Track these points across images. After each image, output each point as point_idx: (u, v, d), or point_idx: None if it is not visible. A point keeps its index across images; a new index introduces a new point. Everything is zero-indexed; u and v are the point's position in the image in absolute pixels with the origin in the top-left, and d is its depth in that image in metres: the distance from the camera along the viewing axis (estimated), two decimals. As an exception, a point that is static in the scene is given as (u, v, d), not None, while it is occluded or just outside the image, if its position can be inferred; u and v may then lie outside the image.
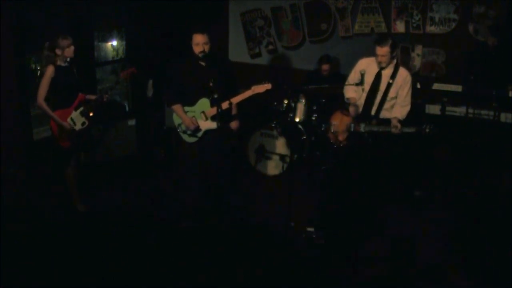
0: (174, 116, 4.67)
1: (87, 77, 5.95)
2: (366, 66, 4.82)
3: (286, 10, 7.03)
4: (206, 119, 4.54)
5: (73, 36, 4.91)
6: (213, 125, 4.49)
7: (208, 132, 4.58)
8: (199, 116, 4.56)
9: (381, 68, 4.77)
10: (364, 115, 4.89)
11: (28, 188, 5.20)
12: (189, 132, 4.59)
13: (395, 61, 4.80)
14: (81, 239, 4.40)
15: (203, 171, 4.73)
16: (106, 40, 6.54)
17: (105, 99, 4.81)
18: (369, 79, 4.79)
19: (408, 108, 4.85)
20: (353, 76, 4.96)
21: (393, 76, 4.77)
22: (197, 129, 4.56)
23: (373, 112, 4.87)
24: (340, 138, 5.01)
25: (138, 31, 6.69)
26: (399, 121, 4.75)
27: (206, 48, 4.37)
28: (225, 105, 4.42)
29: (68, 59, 4.57)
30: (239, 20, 7.37)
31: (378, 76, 4.81)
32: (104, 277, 3.85)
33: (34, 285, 3.76)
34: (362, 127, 4.77)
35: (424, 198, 5.26)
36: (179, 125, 4.64)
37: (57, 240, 4.35)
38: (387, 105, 4.83)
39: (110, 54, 6.64)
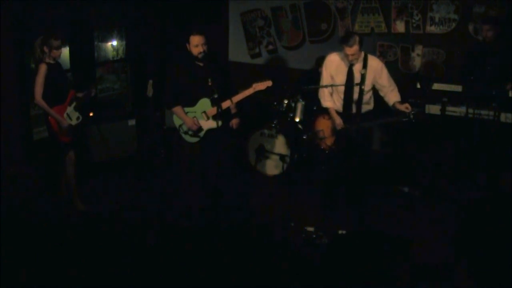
0: (175, 117, 4.68)
1: (87, 77, 5.97)
2: (336, 65, 4.83)
3: (286, 10, 7.03)
4: (208, 118, 4.56)
5: (73, 36, 4.91)
6: (215, 124, 4.50)
7: (209, 131, 4.60)
8: (200, 116, 4.57)
9: (352, 64, 4.77)
10: (347, 115, 4.90)
11: (28, 188, 5.20)
12: (190, 132, 4.60)
13: (362, 52, 4.78)
14: (81, 239, 4.40)
15: (205, 171, 4.74)
16: (106, 40, 6.54)
17: (92, 94, 4.96)
18: (342, 78, 4.79)
19: (397, 89, 4.89)
20: (326, 76, 4.94)
21: (364, 67, 4.75)
22: (199, 129, 4.57)
23: (354, 110, 4.88)
24: (329, 142, 5.02)
25: (138, 31, 6.69)
26: (401, 102, 4.80)
27: (205, 48, 4.39)
28: (226, 104, 4.43)
29: (56, 59, 4.61)
30: (239, 20, 7.37)
31: (350, 73, 4.81)
32: (104, 277, 3.85)
33: (34, 285, 3.76)
34: (349, 127, 4.78)
35: (423, 198, 5.26)
36: (180, 126, 4.65)
37: (57, 240, 4.35)
38: (365, 98, 4.84)
39: (110, 54, 6.64)
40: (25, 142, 5.43)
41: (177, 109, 4.57)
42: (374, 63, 4.81)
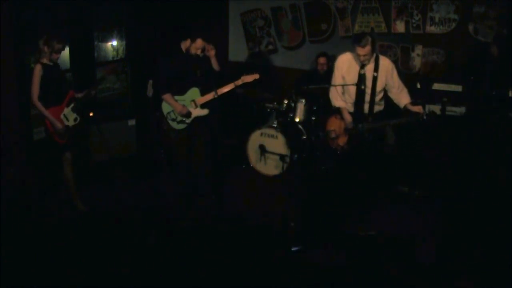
0: (164, 105, 4.92)
1: (87, 77, 5.97)
2: (348, 65, 4.82)
3: (286, 10, 7.04)
4: (196, 107, 4.87)
5: (73, 36, 4.89)
6: (203, 112, 4.87)
7: (196, 119, 4.90)
8: (189, 104, 4.86)
9: (363, 64, 4.76)
10: (358, 115, 4.88)
11: (28, 188, 5.20)
12: (178, 119, 4.87)
13: (374, 54, 4.77)
14: (81, 239, 4.40)
15: (190, 158, 5.02)
16: (106, 40, 6.54)
17: (92, 94, 5.00)
18: (354, 78, 4.79)
19: (406, 90, 4.88)
20: (338, 76, 4.93)
21: (376, 68, 4.74)
22: (188, 115, 4.84)
23: (366, 110, 4.87)
24: (341, 142, 5.01)
25: (138, 31, 6.69)
26: (412, 103, 4.80)
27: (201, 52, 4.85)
28: (209, 96, 4.81)
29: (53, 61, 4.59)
30: (239, 20, 7.38)
31: (361, 74, 4.80)
32: (104, 277, 3.86)
33: (34, 285, 3.76)
34: (361, 127, 4.77)
35: (423, 197, 5.26)
36: (168, 113, 4.90)
37: (57, 240, 4.35)
38: (376, 99, 4.83)
39: (110, 54, 6.64)
40: (25, 142, 5.42)
41: (167, 96, 4.83)
42: (386, 63, 4.79)
